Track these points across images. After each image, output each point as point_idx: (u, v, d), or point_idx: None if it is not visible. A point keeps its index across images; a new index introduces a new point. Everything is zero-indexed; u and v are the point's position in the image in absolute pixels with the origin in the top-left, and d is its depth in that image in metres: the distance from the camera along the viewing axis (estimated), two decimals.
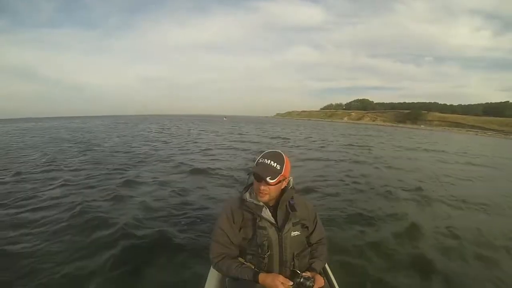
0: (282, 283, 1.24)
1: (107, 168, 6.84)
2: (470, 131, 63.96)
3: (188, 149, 11.33)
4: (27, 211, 3.85)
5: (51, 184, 5.26)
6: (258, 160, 1.38)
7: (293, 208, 1.40)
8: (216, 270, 1.46)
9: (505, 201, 5.42)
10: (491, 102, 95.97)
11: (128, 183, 5.40)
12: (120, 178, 5.86)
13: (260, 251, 1.34)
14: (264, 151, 1.43)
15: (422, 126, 77.78)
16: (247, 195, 1.42)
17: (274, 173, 1.33)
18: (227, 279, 1.49)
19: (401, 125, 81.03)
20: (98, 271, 2.50)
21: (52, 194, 4.66)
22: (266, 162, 1.34)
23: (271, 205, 1.40)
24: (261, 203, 1.38)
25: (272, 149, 1.45)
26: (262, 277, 1.28)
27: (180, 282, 2.44)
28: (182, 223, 3.60)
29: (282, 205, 1.40)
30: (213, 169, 7.04)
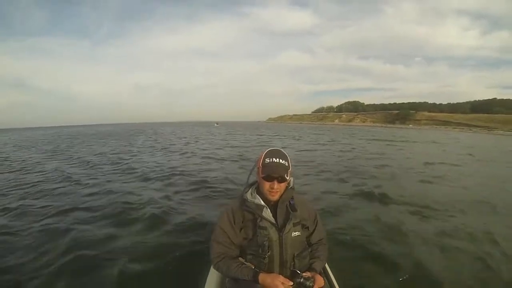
0: (282, 283, 1.24)
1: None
2: (456, 128, 65.77)
3: (192, 153, 11.37)
4: None
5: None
6: (264, 160, 1.36)
7: (293, 208, 1.40)
8: (216, 270, 1.43)
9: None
10: (478, 100, 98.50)
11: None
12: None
13: (260, 251, 1.34)
14: (264, 151, 1.41)
15: (410, 125, 79.56)
16: (248, 195, 1.41)
17: (286, 169, 1.35)
18: (227, 279, 1.48)
19: (390, 125, 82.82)
20: (94, 273, 2.51)
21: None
22: (275, 160, 1.34)
23: (272, 204, 1.40)
24: (262, 203, 1.38)
25: (272, 147, 1.47)
26: (262, 277, 1.27)
27: (180, 283, 2.44)
28: (181, 224, 3.61)
29: (282, 205, 1.40)
30: (211, 169, 7.25)
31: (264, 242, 1.33)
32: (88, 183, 5.90)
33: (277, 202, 1.40)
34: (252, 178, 1.51)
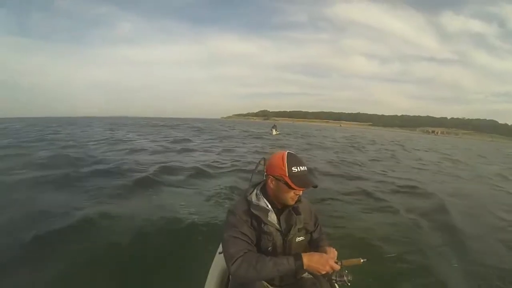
0: (330, 265, 1.20)
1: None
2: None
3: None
4: None
5: None
6: (291, 169, 1.25)
7: (297, 212, 1.37)
8: (237, 268, 1.18)
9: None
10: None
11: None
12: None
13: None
14: (283, 156, 1.29)
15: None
16: (253, 197, 1.35)
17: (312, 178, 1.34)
18: (230, 283, 1.46)
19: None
20: (94, 270, 2.55)
21: None
22: (303, 169, 1.28)
23: (278, 208, 1.36)
24: (269, 207, 1.33)
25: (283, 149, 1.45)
26: (307, 258, 1.20)
27: (180, 282, 2.45)
28: (180, 223, 3.56)
29: (287, 209, 1.37)
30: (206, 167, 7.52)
31: (269, 248, 1.30)
32: None
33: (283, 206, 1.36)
34: (254, 178, 1.52)
